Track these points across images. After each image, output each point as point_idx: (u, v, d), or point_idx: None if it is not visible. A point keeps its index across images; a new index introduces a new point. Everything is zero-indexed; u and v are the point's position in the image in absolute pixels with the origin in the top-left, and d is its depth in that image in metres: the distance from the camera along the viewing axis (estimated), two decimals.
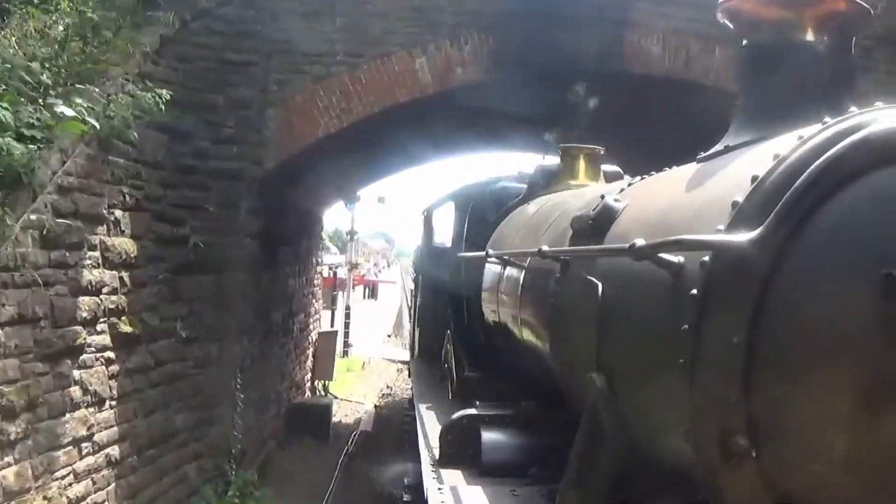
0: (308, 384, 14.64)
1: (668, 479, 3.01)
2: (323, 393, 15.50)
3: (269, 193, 9.28)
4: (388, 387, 18.53)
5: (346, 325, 21.63)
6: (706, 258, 2.36)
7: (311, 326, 14.76)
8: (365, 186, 18.33)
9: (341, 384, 17.08)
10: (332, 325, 20.23)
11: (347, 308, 22.22)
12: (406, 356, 16.60)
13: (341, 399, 16.11)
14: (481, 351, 7.08)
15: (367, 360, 21.51)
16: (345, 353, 20.73)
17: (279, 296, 11.16)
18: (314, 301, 14.96)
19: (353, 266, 24.58)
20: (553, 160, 7.47)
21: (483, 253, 6.73)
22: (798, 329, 2.26)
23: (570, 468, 3.40)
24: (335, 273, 23.85)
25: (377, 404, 16.46)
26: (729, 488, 2.37)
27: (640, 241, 2.50)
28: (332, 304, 21.31)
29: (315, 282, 14.89)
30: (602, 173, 7.04)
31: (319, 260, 15.77)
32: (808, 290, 2.28)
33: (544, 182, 7.20)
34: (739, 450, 2.29)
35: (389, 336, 28.86)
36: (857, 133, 2.42)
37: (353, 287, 38.95)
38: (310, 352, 14.69)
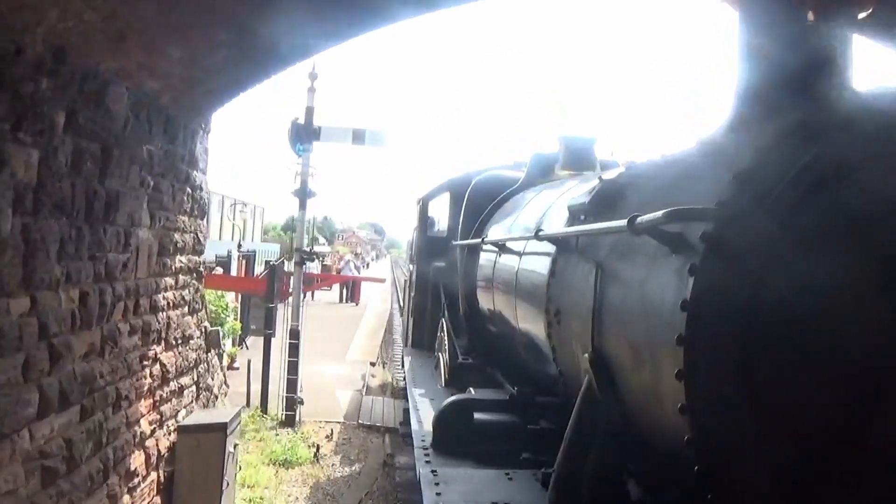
0: None
1: (664, 461, 2.99)
2: None
3: None
4: None
5: (294, 367, 11.71)
6: (706, 229, 2.34)
7: (140, 427, 5.36)
8: (322, 47, 5.49)
9: None
10: (265, 362, 12.02)
11: (295, 333, 11.96)
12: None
13: None
14: (475, 338, 7.08)
15: (327, 435, 11.06)
16: (284, 424, 11.33)
17: None
18: (157, 351, 5.67)
19: (305, 259, 12.52)
20: (549, 148, 7.47)
21: (479, 240, 6.72)
22: (797, 302, 2.25)
23: (564, 450, 3.38)
24: (272, 269, 13.03)
25: None
26: (725, 463, 2.35)
27: (639, 216, 2.48)
28: (266, 324, 12.23)
29: (176, 298, 6.07)
30: (598, 161, 7.06)
31: (201, 235, 6.71)
32: (807, 265, 2.27)
33: (540, 170, 7.20)
34: (737, 425, 2.27)
35: (374, 364, 16.96)
36: (860, 114, 2.42)
37: (328, 286, 29.36)
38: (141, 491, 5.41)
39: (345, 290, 31.62)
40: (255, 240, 35.50)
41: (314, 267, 30.29)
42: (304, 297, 25.75)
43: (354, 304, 30.00)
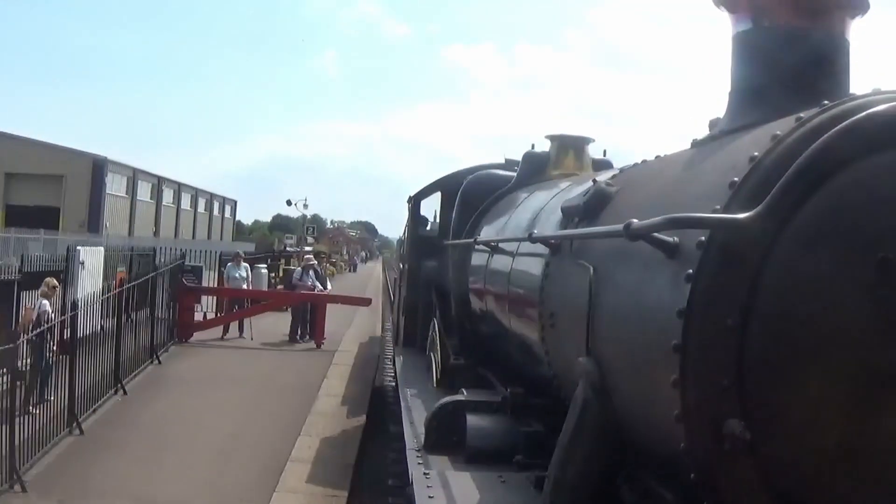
0: None
1: (659, 468, 2.98)
2: None
3: None
4: None
5: None
6: (703, 237, 2.33)
7: None
8: None
9: None
10: None
11: None
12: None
13: None
14: (467, 338, 7.05)
15: None
16: None
17: None
18: None
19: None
20: (541, 148, 7.45)
21: (471, 240, 6.69)
22: (793, 311, 2.24)
23: (558, 454, 3.36)
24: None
25: None
26: (722, 472, 2.34)
27: (635, 222, 2.46)
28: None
29: None
30: (591, 162, 7.05)
31: None
32: (805, 271, 2.26)
33: (533, 170, 7.18)
34: (733, 434, 2.26)
35: None
36: (856, 115, 2.40)
37: (282, 307, 15.97)
38: None
39: (300, 320, 16.73)
40: (226, 238, 30.38)
41: (239, 278, 15.99)
42: (227, 331, 15.61)
43: (315, 344, 15.88)
